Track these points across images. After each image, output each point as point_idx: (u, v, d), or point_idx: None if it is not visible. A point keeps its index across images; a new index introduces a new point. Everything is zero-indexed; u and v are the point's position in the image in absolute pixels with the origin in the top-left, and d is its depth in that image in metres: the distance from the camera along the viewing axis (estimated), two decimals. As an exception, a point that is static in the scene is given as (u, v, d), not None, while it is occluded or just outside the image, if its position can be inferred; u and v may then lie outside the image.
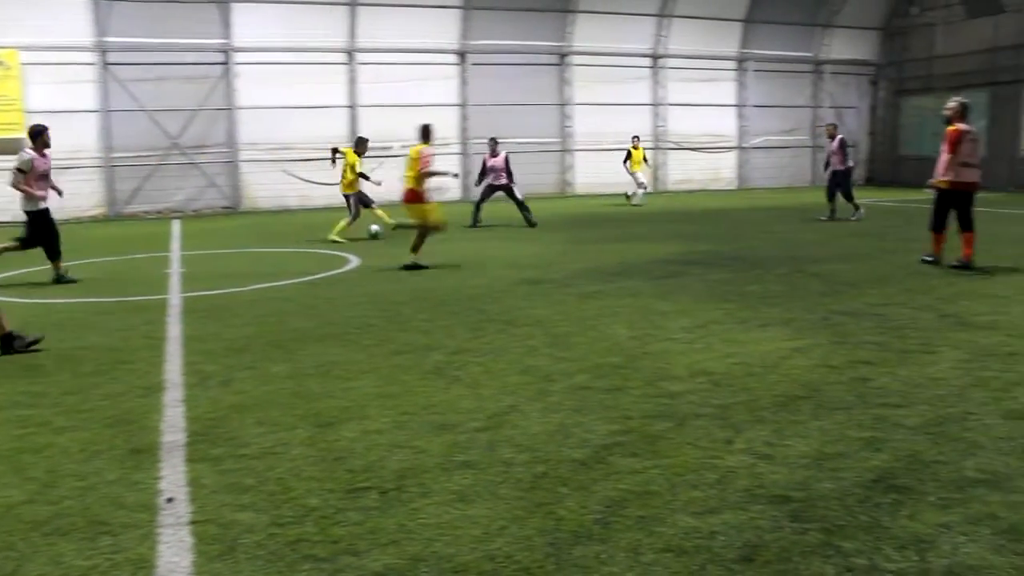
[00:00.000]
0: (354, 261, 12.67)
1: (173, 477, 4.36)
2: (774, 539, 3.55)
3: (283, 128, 24.35)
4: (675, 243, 14.26)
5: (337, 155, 17.08)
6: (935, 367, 6.19)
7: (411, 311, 8.64)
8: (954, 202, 11.11)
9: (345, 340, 7.38)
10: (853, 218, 18.12)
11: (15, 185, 11.08)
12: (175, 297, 9.88)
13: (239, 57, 24.10)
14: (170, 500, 4.06)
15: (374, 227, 16.12)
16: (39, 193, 11.14)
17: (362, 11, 24.96)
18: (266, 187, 24.78)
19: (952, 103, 11.26)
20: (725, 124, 31.03)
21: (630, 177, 24.19)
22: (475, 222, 18.08)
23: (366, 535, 3.67)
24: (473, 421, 5.11)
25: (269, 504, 3.99)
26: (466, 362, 6.53)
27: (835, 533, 3.60)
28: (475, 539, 3.61)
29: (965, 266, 10.90)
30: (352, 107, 25.32)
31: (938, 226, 11.27)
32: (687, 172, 30.05)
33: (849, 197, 18.53)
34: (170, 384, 6.11)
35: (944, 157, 11.00)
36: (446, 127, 26.45)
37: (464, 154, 26.74)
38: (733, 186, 31.09)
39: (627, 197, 24.40)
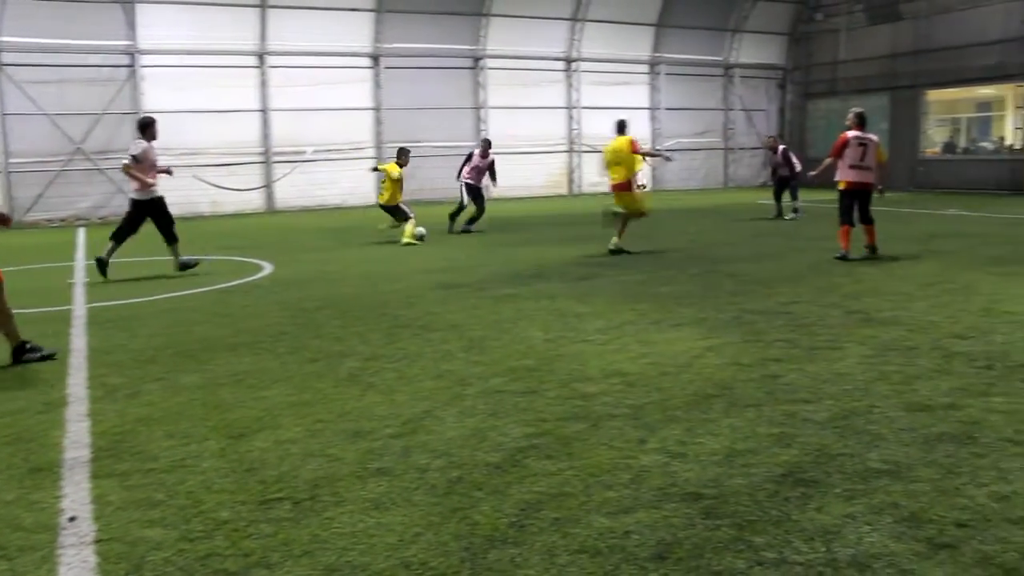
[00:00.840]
0: (267, 268, 12.47)
1: (76, 495, 4.22)
2: (687, 536, 3.61)
3: (192, 132, 23.79)
4: (589, 245, 14.39)
5: (376, 171, 17.17)
6: (841, 363, 6.38)
7: (325, 318, 8.55)
8: (854, 199, 12.35)
9: (258, 349, 7.25)
10: (787, 218, 19.43)
11: (127, 171, 11.92)
12: (79, 308, 9.58)
13: (145, 59, 23.52)
14: (72, 519, 3.93)
15: (420, 230, 15.83)
16: (150, 181, 11.89)
17: (272, 13, 24.59)
18: (176, 193, 24.08)
19: (850, 113, 12.64)
20: (639, 127, 31.43)
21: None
22: (454, 227, 17.19)
23: (279, 547, 3.61)
24: (388, 427, 5.08)
25: (178, 519, 3.90)
26: (381, 368, 6.49)
27: (746, 528, 3.67)
28: (390, 547, 3.59)
29: (872, 250, 12.39)
30: (263, 111, 24.94)
31: (845, 220, 12.32)
32: (602, 174, 30.36)
33: (793, 198, 19.96)
34: (74, 398, 5.92)
35: (827, 160, 12.66)
36: (360, 131, 26.31)
37: (379, 158, 26.56)
38: (648, 188, 31.49)
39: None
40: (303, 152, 25.25)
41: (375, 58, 26.23)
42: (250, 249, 14.97)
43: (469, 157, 18.09)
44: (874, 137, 12.55)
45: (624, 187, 13.82)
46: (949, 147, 30.65)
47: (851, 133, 12.32)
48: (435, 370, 6.39)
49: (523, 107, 28.70)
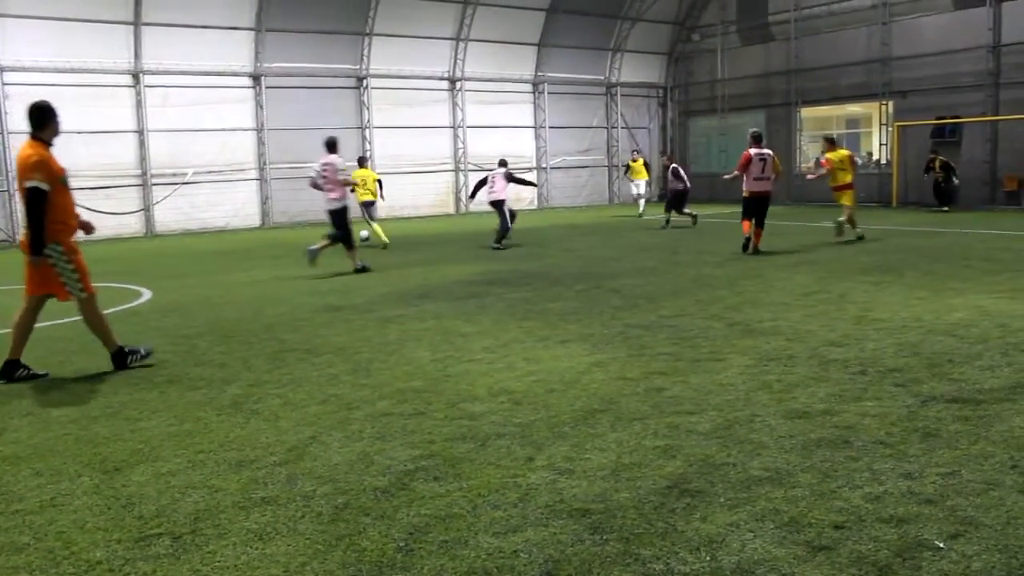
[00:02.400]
0: (146, 295, 12.05)
1: (-67, 543, 3.98)
2: (575, 552, 3.63)
3: (63, 154, 22.52)
4: (477, 263, 14.43)
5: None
6: (724, 373, 6.54)
7: (206, 344, 8.31)
8: (755, 204, 14.92)
9: (135, 378, 6.99)
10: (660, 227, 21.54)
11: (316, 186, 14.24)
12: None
13: (9, 77, 22.45)
14: None
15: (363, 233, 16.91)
16: (334, 195, 13.95)
17: (147, 31, 23.84)
18: (47, 218, 23.20)
19: (747, 134, 15.46)
20: (523, 145, 31.80)
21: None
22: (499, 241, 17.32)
23: (156, 585, 3.48)
24: (272, 455, 4.96)
25: (47, 562, 3.71)
26: (265, 394, 6.34)
27: (633, 541, 3.71)
28: (274, 579, 3.50)
29: (756, 250, 14.79)
30: (140, 132, 24.14)
31: (746, 217, 15.04)
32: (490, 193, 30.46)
33: (676, 211, 22.13)
34: (-67, 437, 5.59)
35: (735, 172, 15.45)
36: (242, 152, 25.77)
37: (261, 180, 26.06)
38: (534, 205, 31.81)
39: (639, 215, 25.94)
40: (183, 174, 24.55)
41: (256, 78, 25.75)
42: (128, 275, 14.45)
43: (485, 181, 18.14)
44: (770, 152, 15.17)
45: (847, 187, 16.90)
46: (820, 162, 31.84)
47: (752, 151, 14.81)
48: (321, 394, 6.28)
49: (408, 127, 28.62)
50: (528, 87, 31.93)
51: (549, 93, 32.20)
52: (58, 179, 7.02)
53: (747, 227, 14.93)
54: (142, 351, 7.50)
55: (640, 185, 26.64)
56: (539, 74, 31.89)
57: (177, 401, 6.25)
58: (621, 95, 34.39)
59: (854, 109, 31.16)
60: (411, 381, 6.58)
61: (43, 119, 7.17)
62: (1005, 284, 10.61)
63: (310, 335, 8.58)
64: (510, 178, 17.87)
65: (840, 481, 4.31)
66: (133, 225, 24.30)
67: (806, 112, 31.51)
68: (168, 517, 4.12)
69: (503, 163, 17.97)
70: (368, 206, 19.17)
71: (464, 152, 30.12)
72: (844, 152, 17.39)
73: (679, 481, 4.37)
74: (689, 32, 34.68)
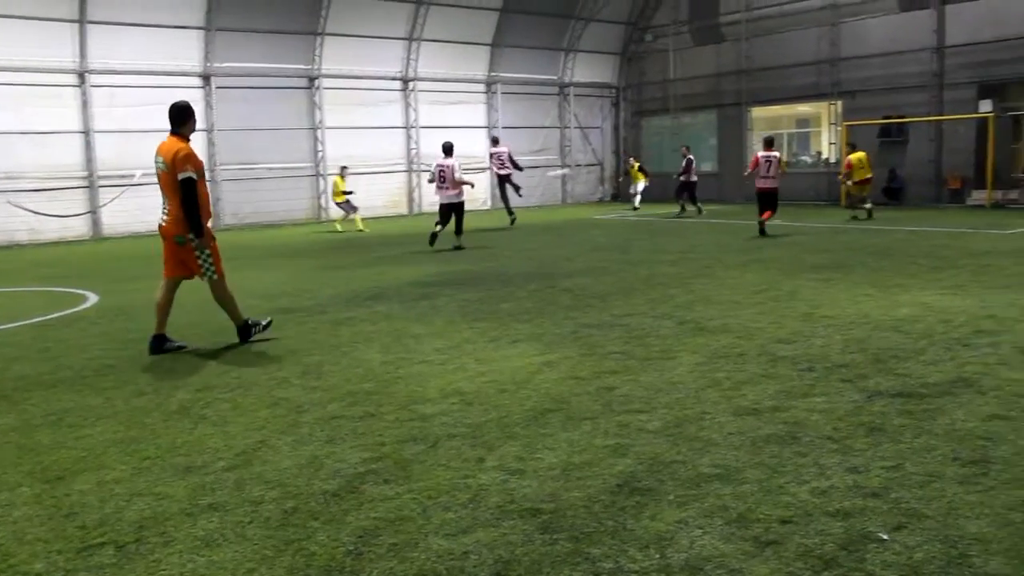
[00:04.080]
0: (92, 298, 11.84)
1: None
2: (525, 552, 3.62)
3: (6, 155, 22.36)
4: (429, 264, 14.39)
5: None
6: (674, 372, 6.59)
7: (154, 348, 8.18)
8: (763, 199, 17.90)
9: (80, 385, 6.86)
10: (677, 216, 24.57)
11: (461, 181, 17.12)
12: None
13: (-55, 76, 21.94)
14: None
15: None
16: (451, 191, 17.03)
17: (92, 29, 23.35)
18: (-11, 220, 22.71)
19: (762, 139, 19.29)
20: (477, 145, 31.74)
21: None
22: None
23: (99, 595, 3.41)
24: (220, 460, 4.90)
25: (-15, 574, 3.63)
26: (213, 399, 6.26)
27: (583, 540, 3.72)
28: (220, 586, 3.45)
29: (763, 231, 17.64)
30: (86, 133, 23.68)
31: (761, 211, 17.85)
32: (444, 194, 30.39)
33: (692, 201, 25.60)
34: None
35: (749, 171, 18.66)
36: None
37: (212, 181, 25.71)
38: (487, 205, 31.77)
39: (635, 208, 28.03)
40: (131, 176, 24.12)
41: (206, 78, 25.41)
42: (73, 279, 14.20)
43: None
44: (776, 154, 17.95)
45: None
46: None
47: (761, 153, 17.99)
48: (270, 398, 6.22)
49: (360, 127, 28.41)
50: (481, 87, 31.90)
51: (502, 93, 32.19)
52: (201, 171, 7.92)
53: (767, 215, 17.79)
54: (263, 323, 8.45)
55: (639, 185, 28.76)
56: (492, 74, 31.88)
57: (123, 407, 6.14)
58: (574, 95, 34.49)
59: (804, 109, 31.56)
60: (362, 383, 6.53)
61: (183, 117, 7.99)
62: (949, 280, 10.81)
63: (259, 337, 8.48)
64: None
65: (788, 477, 4.36)
66: (79, 228, 23.83)
67: (757, 112, 31.85)
68: (112, 526, 4.05)
69: (449, 149, 17.40)
70: (346, 205, 23.43)
71: (417, 152, 30.00)
72: (862, 153, 22.01)
73: (629, 479, 4.39)
74: (642, 32, 34.88)
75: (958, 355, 6.84)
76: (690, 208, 25.73)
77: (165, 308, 8.15)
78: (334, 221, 24.42)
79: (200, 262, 8.01)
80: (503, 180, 23.07)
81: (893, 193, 26.54)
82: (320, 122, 27.68)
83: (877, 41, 27.23)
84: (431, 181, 17.60)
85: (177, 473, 4.72)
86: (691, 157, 25.91)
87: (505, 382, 6.41)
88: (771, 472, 4.42)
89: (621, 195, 35.51)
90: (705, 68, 32.61)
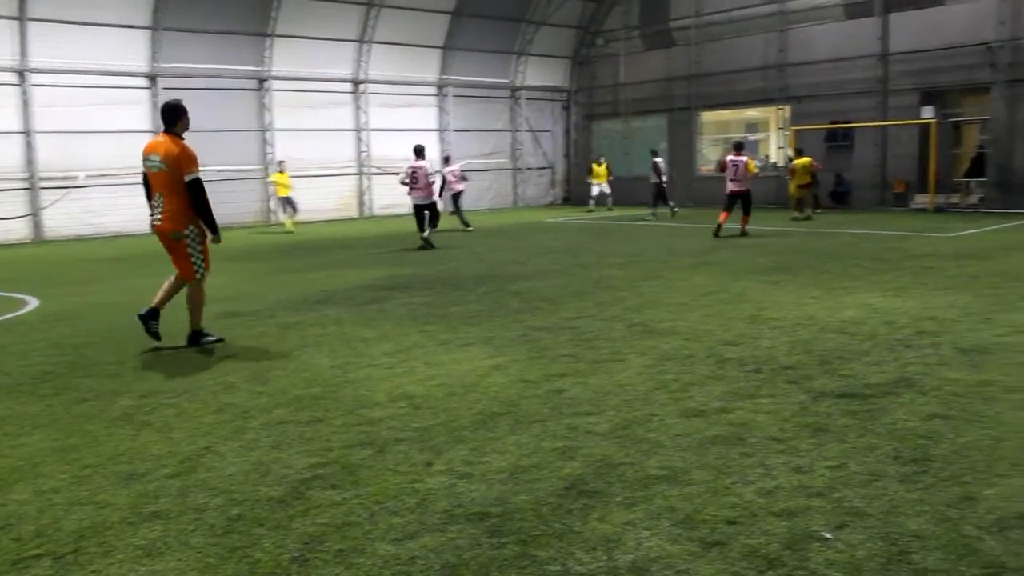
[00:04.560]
0: (33, 303, 11.59)
1: None
2: (472, 557, 3.61)
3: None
4: (379, 268, 14.31)
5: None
6: (623, 374, 6.61)
7: (98, 354, 8.02)
8: (733, 199, 18.58)
9: (17, 392, 6.69)
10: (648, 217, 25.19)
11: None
12: None
13: None
14: None
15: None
16: (422, 193, 17.61)
17: (33, 27, 22.81)
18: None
19: (731, 144, 20.41)
20: (428, 148, 31.60)
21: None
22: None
23: (35, 608, 3.33)
24: (164, 467, 4.81)
25: (-85, 588, 3.52)
26: (158, 405, 6.15)
27: (530, 543, 3.71)
28: (161, 596, 3.39)
29: (744, 233, 18.46)
30: (27, 133, 23.14)
31: (725, 209, 18.61)
32: (394, 197, 30.19)
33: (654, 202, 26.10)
34: None
35: (715, 171, 21.26)
36: (137, 155, 24.88)
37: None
38: (439, 208, 31.66)
39: (589, 210, 29.14)
40: (75, 177, 23.67)
41: (152, 78, 25.01)
42: (13, 283, 13.88)
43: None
44: (744, 158, 18.57)
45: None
46: (721, 165, 32.53)
47: (729, 157, 18.82)
48: (216, 403, 6.13)
49: (311, 129, 28.17)
50: (433, 90, 31.82)
51: (454, 96, 32.15)
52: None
53: (722, 217, 18.45)
54: (214, 336, 8.37)
55: (602, 186, 29.55)
56: (443, 77, 31.82)
57: (63, 414, 6.01)
58: (525, 98, 34.55)
59: (752, 113, 31.96)
60: (309, 388, 6.47)
61: (175, 115, 8.16)
62: (892, 282, 11.01)
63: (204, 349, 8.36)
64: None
65: (734, 477, 4.39)
66: (20, 231, 23.31)
67: (706, 116, 32.20)
68: (49, 537, 3.95)
69: (420, 151, 18.43)
70: (287, 201, 23.86)
71: (368, 155, 29.84)
72: (807, 159, 23.38)
73: (577, 482, 4.39)
74: (593, 37, 35.06)
75: (901, 356, 6.96)
76: (661, 210, 26.28)
77: (195, 303, 8.34)
78: (283, 223, 24.29)
79: (192, 259, 8.13)
80: (457, 195, 23.82)
81: (839, 197, 26.97)
82: (270, 124, 27.41)
83: (824, 48, 27.68)
84: (403, 183, 18.02)
85: (119, 481, 4.63)
86: (657, 160, 26.43)
87: (454, 385, 6.39)
88: (717, 473, 4.46)
89: (573, 198, 35.68)
90: (655, 72, 32.88)
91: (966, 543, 3.59)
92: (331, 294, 11.41)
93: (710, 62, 30.86)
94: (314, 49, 28.04)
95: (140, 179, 8.63)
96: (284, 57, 27.41)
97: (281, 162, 24.87)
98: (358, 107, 29.70)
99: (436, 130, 31.94)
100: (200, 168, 8.16)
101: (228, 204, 24.59)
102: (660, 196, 25.95)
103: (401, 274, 13.36)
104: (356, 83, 29.56)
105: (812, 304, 9.55)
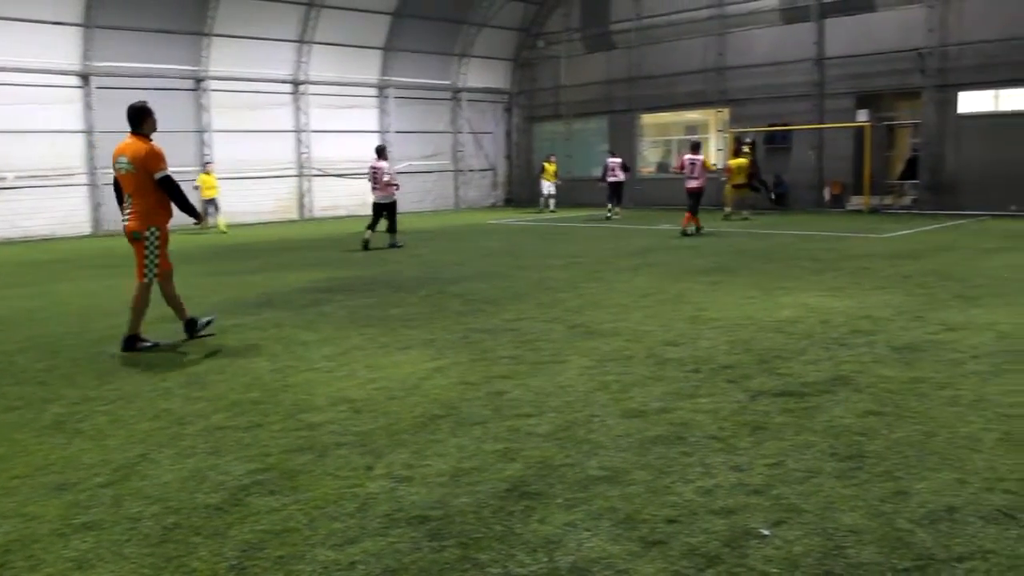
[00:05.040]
0: (-40, 308, 11.25)
1: None
2: (413, 561, 3.58)
3: None
4: (319, 270, 14.17)
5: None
6: (564, 375, 6.63)
7: (27, 360, 7.80)
8: (694, 196, 19.02)
9: (-56, 399, 6.49)
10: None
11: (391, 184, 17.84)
12: None
13: None
14: None
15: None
16: (381, 192, 17.86)
17: (-43, 24, 22.27)
18: None
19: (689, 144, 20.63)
20: (369, 150, 31.36)
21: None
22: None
23: (-42, 625, 3.22)
24: (97, 476, 4.69)
25: None
26: (91, 412, 6.00)
27: (471, 546, 3.70)
28: (93, 608, 3.30)
29: (698, 230, 19.22)
30: (-46, 132, 22.52)
31: (689, 211, 19.11)
32: (334, 198, 30.01)
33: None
34: None
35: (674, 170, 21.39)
36: (70, 156, 24.42)
37: (92, 185, 24.78)
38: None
39: (539, 211, 29.52)
40: (3, 179, 23.05)
41: (85, 77, 24.47)
42: (-59, 288, 13.46)
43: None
44: (700, 157, 19.22)
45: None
46: (662, 167, 32.95)
47: (686, 156, 19.40)
48: (152, 410, 6.00)
49: (250, 130, 27.79)
50: (374, 91, 31.63)
51: (395, 98, 32.00)
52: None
53: (688, 219, 19.14)
54: (150, 342, 8.24)
55: (551, 186, 29.68)
56: (384, 78, 31.65)
57: (-9, 422, 5.84)
58: (467, 100, 34.53)
59: (692, 116, 32.32)
60: (248, 392, 6.37)
61: (141, 116, 8.23)
62: (828, 282, 11.21)
63: (140, 348, 8.19)
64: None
65: (674, 477, 4.43)
66: (-56, 234, 22.68)
67: (647, 118, 32.49)
68: (-26, 550, 3.83)
69: (381, 151, 18.76)
70: (210, 202, 23.88)
71: (308, 157, 29.55)
72: (743, 160, 23.49)
73: (518, 484, 4.39)
74: (534, 39, 35.17)
75: (836, 354, 7.09)
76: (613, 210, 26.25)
77: (173, 299, 8.46)
78: (216, 225, 23.86)
79: (146, 261, 8.17)
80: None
81: (778, 198, 27.40)
82: (207, 125, 26.98)
83: (761, 51, 28.12)
84: (369, 181, 18.36)
85: (49, 491, 4.50)
86: (611, 160, 26.81)
87: (395, 389, 6.35)
88: (658, 473, 4.49)
89: (515, 200, 35.75)
90: (596, 75, 33.10)
91: (899, 536, 3.67)
92: (270, 297, 11.26)
93: (650, 65, 31.15)
94: (253, 49, 27.68)
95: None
96: (222, 57, 27.02)
97: (207, 163, 24.71)
98: (298, 108, 29.40)
99: (377, 132, 31.74)
100: (166, 166, 8.23)
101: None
102: (616, 195, 26.20)
103: (342, 276, 13.25)
104: (296, 84, 29.27)
105: (751, 304, 9.68)
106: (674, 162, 26.23)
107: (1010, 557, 3.47)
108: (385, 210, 17.99)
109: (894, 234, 18.39)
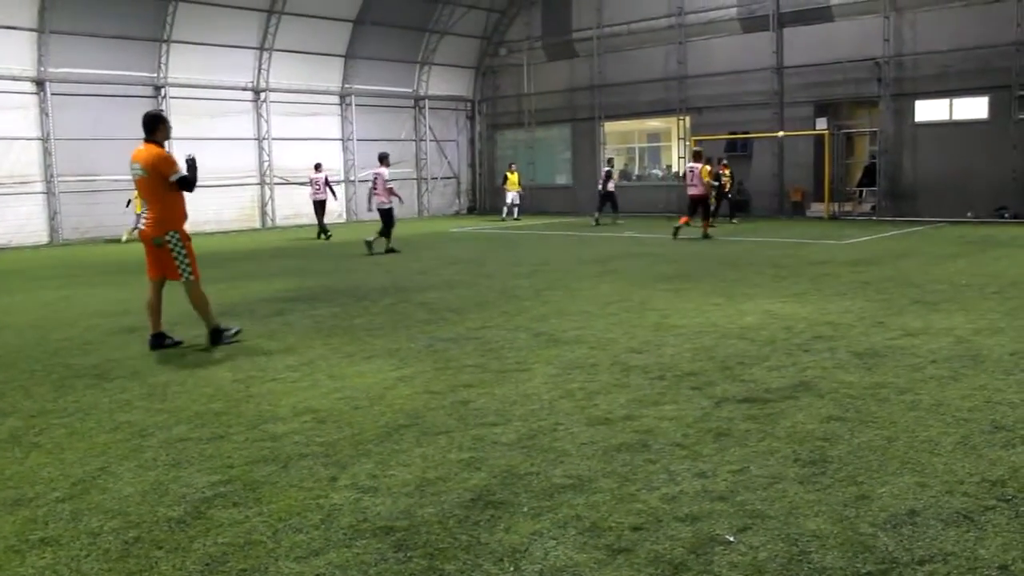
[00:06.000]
0: (-87, 319, 11.01)
1: None
2: (378, 572, 3.56)
3: None
4: (282, 280, 14.06)
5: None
6: (529, 383, 6.62)
7: (-18, 372, 7.66)
8: (690, 205, 20.42)
9: None
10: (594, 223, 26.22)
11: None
12: None
13: None
14: None
15: None
16: (382, 198, 18.70)
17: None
18: None
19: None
20: (331, 158, 31.30)
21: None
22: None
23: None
24: (54, 491, 4.61)
25: None
26: (48, 425, 5.90)
27: (437, 556, 3.68)
28: (51, 625, 3.24)
29: (706, 235, 20.05)
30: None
31: (686, 215, 20.35)
32: (295, 206, 29.80)
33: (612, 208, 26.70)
34: None
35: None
36: (26, 163, 24.07)
37: (49, 193, 24.41)
38: (343, 219, 31.41)
39: (503, 219, 29.47)
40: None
41: (40, 83, 24.12)
42: None
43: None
44: (698, 166, 20.11)
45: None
46: (625, 174, 33.14)
47: (688, 164, 20.98)
48: (111, 422, 5.91)
49: (210, 138, 27.48)
50: (335, 99, 31.50)
51: (357, 105, 31.89)
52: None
53: (682, 220, 20.24)
54: (232, 329, 8.78)
55: (515, 195, 29.69)
56: (346, 86, 31.54)
57: (-55, 436, 5.71)
58: (429, 108, 34.51)
59: (654, 124, 32.55)
60: (210, 403, 6.30)
61: (155, 124, 8.44)
62: (790, 289, 11.32)
63: (102, 359, 8.07)
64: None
65: (639, 484, 4.43)
66: None
67: (609, 126, 32.67)
68: (-72, 568, 3.75)
69: (383, 158, 19.46)
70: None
71: (270, 165, 29.35)
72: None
73: (483, 493, 4.37)
74: (496, 47, 35.23)
75: (799, 360, 7.15)
76: (606, 218, 26.67)
77: (156, 308, 8.57)
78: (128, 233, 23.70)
79: (177, 263, 8.42)
80: (320, 203, 24.09)
81: (739, 205, 27.67)
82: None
83: (722, 60, 28.39)
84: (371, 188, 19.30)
85: (4, 507, 4.41)
86: (608, 169, 27.44)
87: (359, 398, 6.30)
88: (623, 480, 4.49)
89: (478, 208, 35.76)
90: (559, 83, 33.23)
91: (862, 540, 3.70)
92: (233, 306, 11.14)
93: (612, 73, 31.34)
94: (213, 56, 27.46)
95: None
96: (182, 64, 26.77)
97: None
98: (259, 116, 29.21)
99: (339, 140, 31.64)
100: (177, 169, 8.41)
101: (124, 215, 23.87)
102: (611, 201, 26.50)
103: (305, 286, 13.15)
104: (257, 91, 29.08)
105: (714, 311, 9.74)
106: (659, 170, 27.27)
107: (969, 559, 3.51)
108: (382, 216, 18.77)
109: (854, 240, 18.63)
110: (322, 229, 23.67)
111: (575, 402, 6.06)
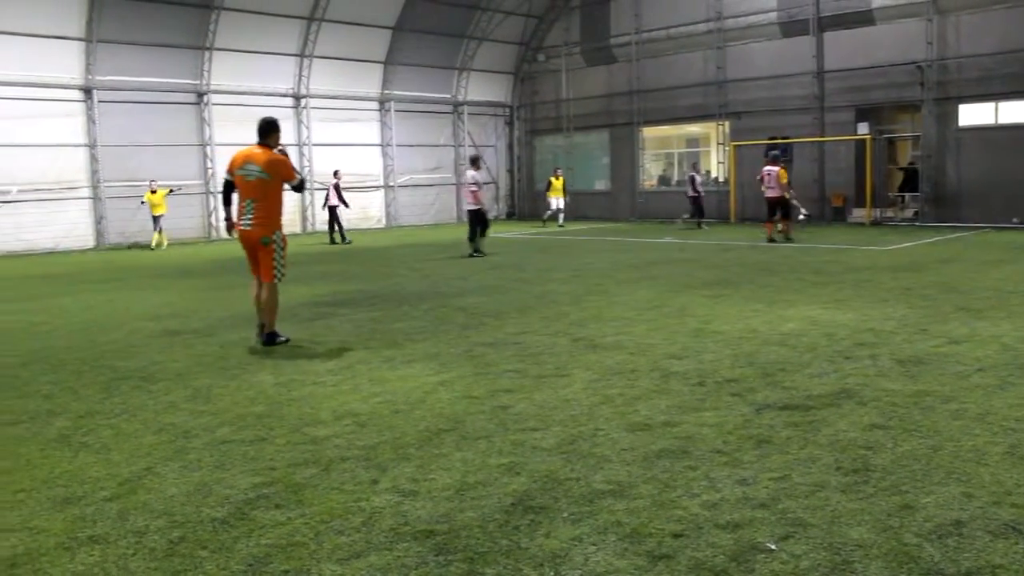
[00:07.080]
0: (-37, 321, 11.26)
1: None
2: (419, 575, 3.57)
3: None
4: (323, 284, 14.18)
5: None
6: (568, 389, 6.62)
7: (31, 374, 7.81)
8: (769, 207, 20.55)
9: (-52, 413, 6.50)
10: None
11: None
12: None
13: None
14: None
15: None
16: (472, 200, 19.10)
17: (-41, 39, 22.31)
18: None
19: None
20: (371, 163, 31.52)
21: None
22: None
23: (-34, 639, 3.21)
24: (102, 490, 4.69)
25: None
26: (96, 426, 6.00)
27: (477, 561, 3.69)
28: (100, 623, 3.30)
29: (788, 238, 20.30)
30: (-43, 147, 22.57)
31: (768, 219, 20.54)
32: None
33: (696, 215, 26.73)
34: None
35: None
36: (73, 169, 24.50)
37: (95, 198, 24.83)
38: (382, 224, 31.60)
39: (544, 222, 29.59)
40: (7, 192, 23.10)
41: (88, 91, 24.55)
42: (-56, 302, 13.47)
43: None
44: (775, 169, 20.18)
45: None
46: (664, 180, 33.01)
47: (765, 168, 20.58)
48: (156, 423, 6.00)
49: (250, 144, 27.77)
50: (375, 105, 31.71)
51: (396, 111, 32.07)
52: None
53: (768, 227, 20.47)
54: (284, 337, 8.91)
55: (560, 201, 29.47)
56: (385, 92, 31.74)
57: (-4, 436, 5.84)
58: (468, 113, 34.62)
59: (693, 129, 32.38)
60: (253, 406, 6.37)
61: (269, 130, 9.06)
62: (832, 295, 11.21)
63: (147, 361, 8.20)
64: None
65: (679, 490, 4.42)
66: (-51, 248, 22.72)
67: (648, 131, 32.56)
68: (-19, 564, 3.83)
69: (474, 161, 20.34)
70: (156, 219, 23.80)
71: (310, 170, 29.60)
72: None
73: (523, 498, 4.38)
74: (534, 52, 35.27)
75: (841, 368, 7.09)
76: (691, 223, 26.55)
77: (273, 306, 8.93)
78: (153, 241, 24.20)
79: (275, 263, 8.80)
80: (333, 209, 24.84)
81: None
82: (209, 138, 27.05)
83: (761, 65, 28.19)
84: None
85: (55, 505, 4.50)
86: (693, 174, 27.08)
87: (399, 403, 6.34)
88: (663, 486, 4.48)
89: (517, 213, 35.80)
90: (597, 88, 33.18)
91: (906, 551, 3.66)
92: (274, 311, 11.25)
93: (650, 78, 31.23)
94: (254, 63, 27.77)
95: (221, 186, 9.42)
96: (224, 71, 27.11)
97: (152, 181, 23.95)
98: (299, 121, 29.48)
99: (379, 145, 31.84)
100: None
101: (167, 220, 24.19)
102: (697, 206, 26.46)
103: (345, 290, 13.26)
104: (297, 97, 29.36)
105: (754, 317, 9.68)
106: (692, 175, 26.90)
107: (1019, 572, 3.46)
108: (473, 217, 19.30)
109: (896, 247, 18.40)
110: (337, 234, 24.41)
111: (615, 408, 6.05)
